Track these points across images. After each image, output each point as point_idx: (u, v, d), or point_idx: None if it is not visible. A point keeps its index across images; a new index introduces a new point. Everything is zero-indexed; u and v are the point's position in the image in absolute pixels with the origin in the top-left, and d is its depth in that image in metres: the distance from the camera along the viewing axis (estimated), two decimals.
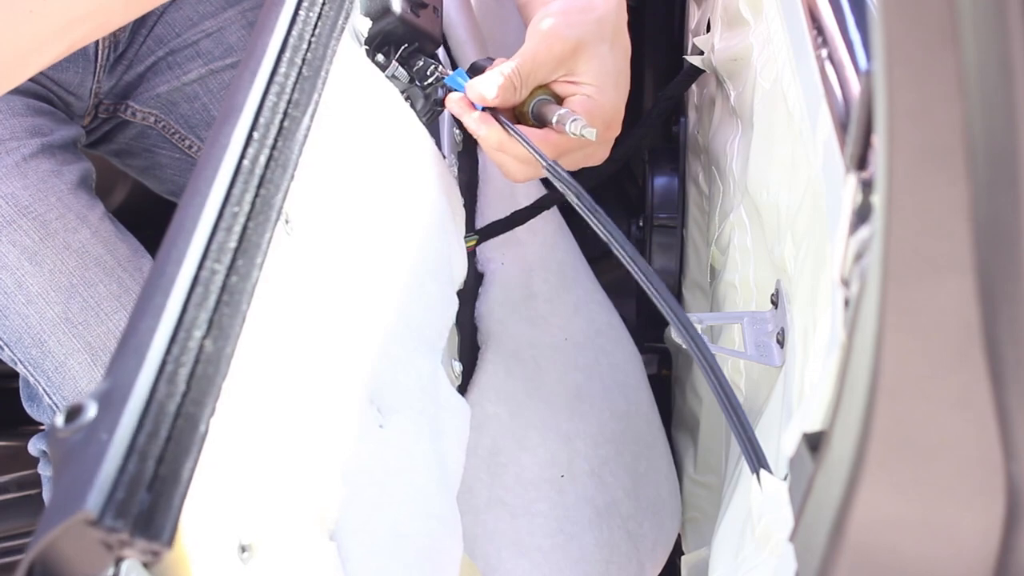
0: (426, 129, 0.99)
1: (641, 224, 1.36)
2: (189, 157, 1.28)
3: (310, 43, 0.75)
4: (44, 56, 0.90)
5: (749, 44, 1.00)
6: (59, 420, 0.50)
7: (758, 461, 0.66)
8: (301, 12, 0.75)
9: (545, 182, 1.34)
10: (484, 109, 0.95)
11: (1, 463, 1.56)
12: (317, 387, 0.73)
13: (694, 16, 1.26)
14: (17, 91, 1.15)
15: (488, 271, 1.26)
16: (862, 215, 0.51)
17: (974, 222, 0.45)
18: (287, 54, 0.72)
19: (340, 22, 0.79)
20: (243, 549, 0.59)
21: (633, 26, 1.71)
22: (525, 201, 1.26)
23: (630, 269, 0.76)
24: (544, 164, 0.88)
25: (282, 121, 0.68)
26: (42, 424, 1.21)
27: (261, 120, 0.67)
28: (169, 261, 0.57)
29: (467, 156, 1.25)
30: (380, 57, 0.97)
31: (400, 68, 0.98)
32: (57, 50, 0.90)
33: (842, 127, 0.68)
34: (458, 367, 1.03)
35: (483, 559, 1.08)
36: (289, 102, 0.70)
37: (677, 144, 1.35)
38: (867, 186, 0.50)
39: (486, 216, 1.26)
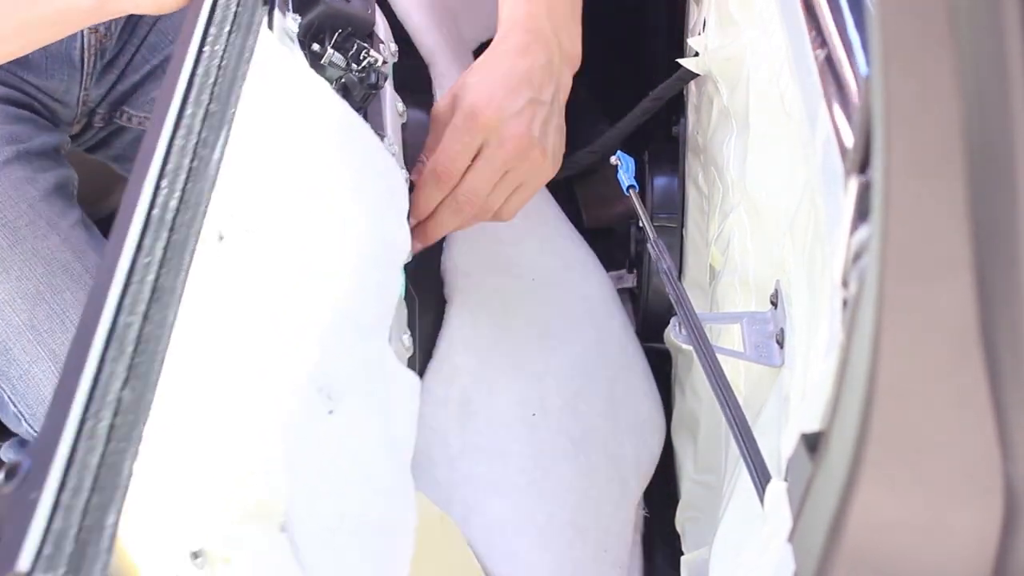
0: (359, 115, 1.00)
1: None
2: None
3: (217, 77, 0.77)
4: None
5: (743, 45, 1.00)
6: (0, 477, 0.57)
7: (757, 464, 0.66)
8: (206, 48, 0.78)
9: None
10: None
11: None
12: (260, 386, 0.77)
13: (693, 16, 1.26)
14: None
15: None
16: (861, 216, 0.51)
17: (972, 223, 0.45)
18: (192, 93, 0.75)
19: (247, 52, 0.81)
20: (195, 556, 0.65)
21: (634, 26, 1.71)
22: None
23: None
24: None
25: (191, 163, 0.72)
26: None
27: (169, 167, 0.71)
28: (87, 319, 0.62)
29: (420, 110, 1.27)
30: (316, 46, 0.98)
31: (336, 54, 0.99)
32: None
33: (841, 128, 0.68)
34: (408, 339, 1.04)
35: (461, 503, 1.10)
36: (198, 142, 0.73)
37: (677, 144, 1.35)
38: (866, 187, 0.50)
39: None
